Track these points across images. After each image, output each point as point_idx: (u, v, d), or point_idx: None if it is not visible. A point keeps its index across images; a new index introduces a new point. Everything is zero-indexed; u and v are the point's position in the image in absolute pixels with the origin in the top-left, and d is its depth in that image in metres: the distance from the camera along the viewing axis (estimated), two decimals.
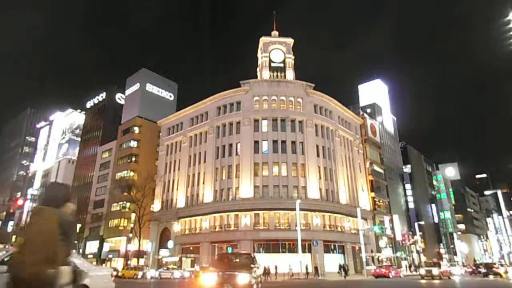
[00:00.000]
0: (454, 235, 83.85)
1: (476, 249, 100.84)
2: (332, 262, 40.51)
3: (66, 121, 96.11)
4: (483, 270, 38.47)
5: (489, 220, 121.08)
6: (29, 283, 2.14)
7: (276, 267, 34.24)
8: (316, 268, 35.85)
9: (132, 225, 52.79)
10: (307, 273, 34.66)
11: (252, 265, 10.17)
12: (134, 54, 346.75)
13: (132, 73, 75.16)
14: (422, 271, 30.11)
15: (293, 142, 45.01)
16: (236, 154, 45.23)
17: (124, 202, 56.73)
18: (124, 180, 57.06)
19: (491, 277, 33.97)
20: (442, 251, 74.59)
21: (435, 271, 28.62)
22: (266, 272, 30.22)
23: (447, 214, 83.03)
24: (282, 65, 52.15)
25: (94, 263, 49.50)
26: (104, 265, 50.89)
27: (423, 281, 26.73)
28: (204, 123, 50.02)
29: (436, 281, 25.88)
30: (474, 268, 49.73)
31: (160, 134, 58.56)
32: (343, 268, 36.09)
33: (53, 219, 2.40)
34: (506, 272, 32.04)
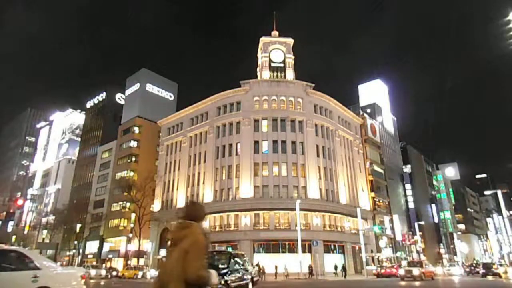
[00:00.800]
0: (454, 235, 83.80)
1: (476, 249, 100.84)
2: (332, 262, 40.52)
3: (66, 121, 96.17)
4: (481, 270, 36.88)
5: (489, 220, 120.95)
6: (194, 285, 2.77)
7: (276, 267, 34.14)
8: (311, 268, 35.53)
9: (132, 225, 52.83)
10: (310, 273, 34.56)
11: (222, 266, 9.24)
12: (134, 54, 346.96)
13: (132, 73, 75.19)
14: (401, 271, 26.95)
15: (293, 142, 45.00)
16: (236, 154, 45.21)
17: (124, 202, 56.75)
18: (124, 180, 57.03)
19: (489, 277, 33.12)
20: (442, 251, 74.59)
21: (415, 271, 25.77)
22: (261, 271, 30.07)
23: (447, 214, 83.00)
24: (282, 65, 52.14)
25: (94, 263, 49.46)
26: (103, 265, 50.89)
27: (402, 282, 24.16)
28: (204, 123, 50.01)
29: (417, 283, 23.43)
30: (472, 268, 48.86)
31: (160, 134, 58.56)
32: (343, 268, 36.09)
33: (200, 231, 3.03)
34: (505, 272, 31.65)
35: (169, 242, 3.22)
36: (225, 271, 8.83)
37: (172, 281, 2.81)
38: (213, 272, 2.98)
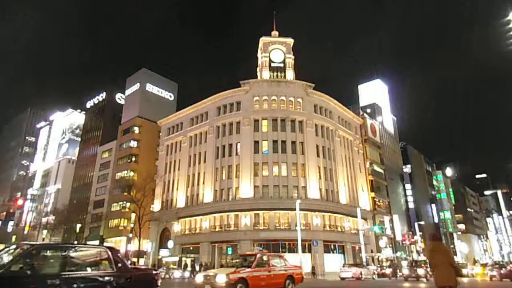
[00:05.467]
0: (454, 235, 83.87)
1: (476, 249, 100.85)
2: (332, 262, 40.58)
3: (66, 121, 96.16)
4: (497, 271, 27.68)
5: (489, 220, 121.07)
6: (453, 267, 6.66)
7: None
8: (313, 268, 35.75)
9: (132, 225, 52.78)
10: (314, 273, 34.68)
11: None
12: (134, 54, 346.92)
13: (132, 73, 75.21)
14: (199, 278, 12.15)
15: (293, 142, 44.99)
16: (236, 154, 45.21)
17: (124, 202, 56.74)
18: (124, 180, 57.07)
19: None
20: None
21: (220, 278, 11.25)
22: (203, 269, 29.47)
23: (447, 214, 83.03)
24: (282, 65, 52.15)
25: None
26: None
27: None
28: (204, 123, 50.02)
29: None
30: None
31: (160, 134, 58.57)
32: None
33: (445, 247, 7.00)
34: None
35: (431, 249, 6.91)
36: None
37: (443, 265, 6.56)
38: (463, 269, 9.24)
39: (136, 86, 72.17)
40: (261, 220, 41.59)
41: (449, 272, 6.56)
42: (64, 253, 6.47)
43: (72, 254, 6.61)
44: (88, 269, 6.65)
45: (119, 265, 6.90)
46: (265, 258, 13.09)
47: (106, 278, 6.55)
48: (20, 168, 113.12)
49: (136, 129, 65.55)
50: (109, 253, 6.94)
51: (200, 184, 47.15)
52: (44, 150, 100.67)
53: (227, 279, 11.01)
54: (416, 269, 26.37)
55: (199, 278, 12.21)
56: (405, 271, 27.79)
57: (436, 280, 6.67)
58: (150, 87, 72.50)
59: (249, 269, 11.84)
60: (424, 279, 25.76)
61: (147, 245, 51.03)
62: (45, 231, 66.50)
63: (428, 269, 26.07)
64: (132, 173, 60.31)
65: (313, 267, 35.80)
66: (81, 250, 7.01)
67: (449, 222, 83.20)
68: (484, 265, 39.62)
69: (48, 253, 6.60)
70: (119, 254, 7.24)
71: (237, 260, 13.86)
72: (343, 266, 33.08)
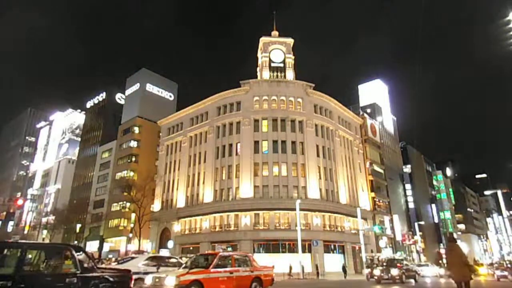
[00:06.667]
0: (454, 235, 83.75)
1: (476, 249, 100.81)
2: (332, 262, 40.58)
3: (66, 121, 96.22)
4: (503, 272, 26.57)
5: (489, 220, 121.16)
6: (466, 281, 7.88)
7: (273, 267, 34.03)
8: (317, 267, 35.84)
9: (132, 225, 52.82)
10: (318, 273, 34.78)
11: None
12: (134, 54, 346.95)
13: (132, 73, 75.25)
14: (148, 280, 10.93)
15: (293, 142, 44.99)
16: (236, 154, 45.21)
17: (124, 202, 56.78)
18: (124, 180, 57.08)
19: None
20: (442, 251, 74.54)
21: (169, 281, 10.15)
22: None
23: (447, 214, 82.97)
24: (282, 65, 52.14)
25: None
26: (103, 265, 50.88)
27: None
28: (204, 123, 50.02)
29: None
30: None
31: (160, 134, 58.57)
32: (343, 268, 36.16)
33: (460, 248, 8.36)
34: None
35: (448, 249, 8.51)
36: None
37: (458, 265, 7.89)
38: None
39: (136, 86, 72.19)
40: (261, 220, 41.57)
41: (464, 269, 7.89)
42: (22, 252, 5.86)
43: (31, 253, 6.15)
44: (48, 269, 6.16)
45: (85, 265, 6.36)
46: (227, 258, 11.71)
47: (68, 279, 5.99)
48: (20, 168, 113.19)
49: (136, 129, 65.56)
50: (73, 252, 6.30)
51: (200, 184, 47.14)
52: (44, 150, 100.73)
53: (176, 282, 9.66)
54: (389, 270, 22.69)
55: (148, 280, 10.62)
56: (376, 272, 23.72)
57: (454, 276, 8.11)
58: (150, 87, 72.52)
59: (205, 271, 10.53)
60: (399, 281, 22.41)
61: (147, 245, 51.03)
62: (45, 231, 66.54)
63: (403, 270, 24.07)
64: (132, 173, 60.31)
65: (317, 267, 35.87)
66: (42, 249, 6.54)
67: (449, 222, 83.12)
68: (479, 265, 39.30)
69: (4, 251, 6.08)
70: (86, 254, 6.80)
71: (196, 260, 12.19)
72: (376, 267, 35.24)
